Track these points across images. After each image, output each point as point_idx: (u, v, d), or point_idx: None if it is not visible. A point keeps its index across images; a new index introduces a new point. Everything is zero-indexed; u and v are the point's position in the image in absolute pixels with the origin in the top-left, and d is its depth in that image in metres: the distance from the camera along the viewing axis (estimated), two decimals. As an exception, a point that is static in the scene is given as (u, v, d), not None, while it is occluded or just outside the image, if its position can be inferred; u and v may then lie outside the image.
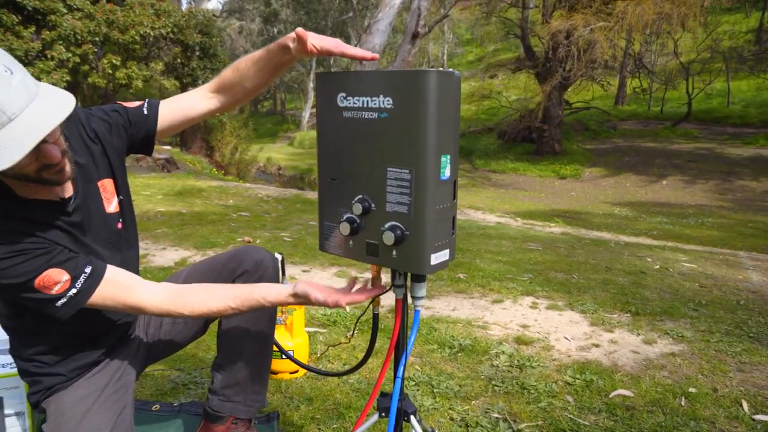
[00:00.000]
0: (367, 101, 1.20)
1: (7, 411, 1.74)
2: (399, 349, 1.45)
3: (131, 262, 1.48)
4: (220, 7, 32.08)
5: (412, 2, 11.96)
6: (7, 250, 1.14)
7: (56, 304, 1.19)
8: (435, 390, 2.21)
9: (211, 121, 20.93)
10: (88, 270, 1.21)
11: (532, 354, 2.56)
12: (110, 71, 13.28)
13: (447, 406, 2.10)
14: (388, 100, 1.17)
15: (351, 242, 1.30)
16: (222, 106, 1.48)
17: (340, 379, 2.32)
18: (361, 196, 1.25)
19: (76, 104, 1.20)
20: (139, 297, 1.27)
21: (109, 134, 1.39)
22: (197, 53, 15.49)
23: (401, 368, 1.35)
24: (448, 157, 1.19)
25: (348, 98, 1.24)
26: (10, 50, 11.60)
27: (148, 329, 1.59)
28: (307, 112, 32.89)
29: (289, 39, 1.31)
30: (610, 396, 2.18)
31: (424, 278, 1.36)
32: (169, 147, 16.45)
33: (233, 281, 1.56)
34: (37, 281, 1.15)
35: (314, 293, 1.27)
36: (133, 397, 1.48)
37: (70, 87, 13.96)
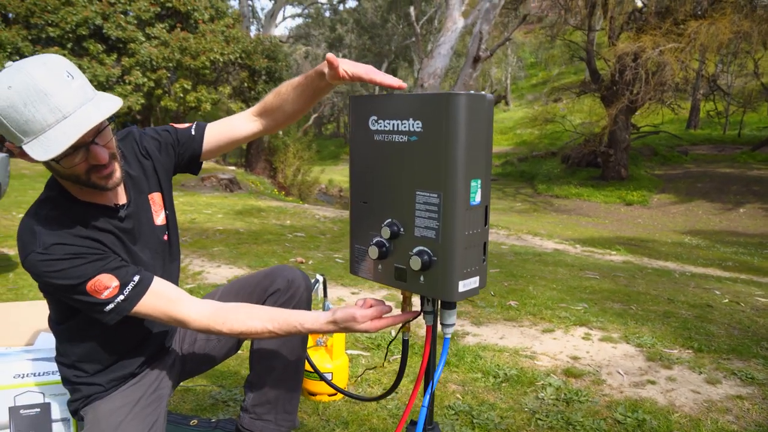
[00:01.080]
0: (398, 124, 1.20)
1: (53, 416, 1.82)
2: (428, 377, 1.41)
3: (173, 275, 1.54)
4: (287, 33, 33.28)
5: (473, 26, 11.99)
6: (67, 251, 1.21)
7: (105, 309, 1.24)
8: (475, 421, 2.13)
9: (275, 143, 21.65)
10: (136, 279, 1.26)
11: (581, 388, 2.44)
12: (181, 95, 14.02)
13: (486, 438, 2.03)
14: (417, 124, 1.16)
15: (380, 266, 1.29)
16: (264, 129, 1.54)
17: (378, 404, 2.29)
18: (390, 220, 1.24)
19: (135, 126, 1.41)
20: (182, 311, 1.30)
21: (159, 152, 1.48)
22: (263, 77, 16.12)
23: (427, 397, 1.31)
24: (479, 181, 1.16)
25: (379, 121, 1.24)
26: (94, 76, 12.50)
27: (183, 345, 1.63)
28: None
29: (323, 65, 1.33)
30: (665, 438, 2.04)
31: (454, 305, 1.33)
32: (233, 168, 17.08)
33: (265, 300, 1.58)
34: (89, 285, 1.21)
35: (354, 323, 1.25)
36: (166, 410, 1.51)
37: (145, 110, 14.83)
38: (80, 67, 13.90)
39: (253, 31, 23.33)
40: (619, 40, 16.45)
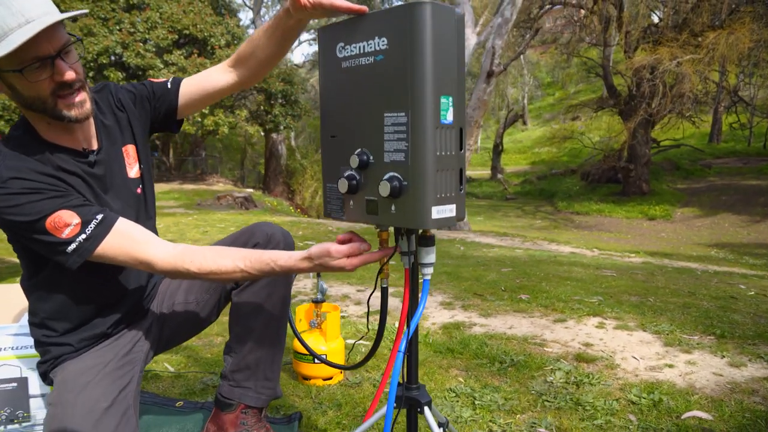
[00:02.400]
0: (364, 46, 1.12)
1: (31, 392, 1.75)
2: (411, 346, 1.31)
3: None
4: (303, 59, 33.88)
5: (487, 42, 12.01)
6: (24, 186, 1.15)
7: (66, 250, 1.16)
8: (477, 402, 2.01)
9: (293, 165, 21.83)
10: (99, 217, 1.19)
11: (593, 372, 2.29)
12: (199, 119, 14.25)
13: (488, 418, 1.89)
14: (383, 41, 1.08)
15: (351, 202, 1.20)
16: (240, 79, 1.46)
17: (375, 387, 2.17)
18: (359, 150, 1.16)
19: (111, 82, 1.42)
20: (148, 252, 1.21)
21: (134, 104, 1.45)
22: (280, 101, 16.33)
23: (404, 342, 1.21)
24: (450, 98, 1.08)
25: (346, 47, 1.17)
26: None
27: (161, 308, 1.56)
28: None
29: (288, 1, 1.26)
30: (683, 417, 1.88)
31: (432, 241, 1.24)
32: (251, 190, 17.21)
33: None
34: (49, 221, 1.15)
35: (330, 260, 1.15)
36: (140, 374, 1.43)
37: (164, 135, 15.08)
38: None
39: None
40: (635, 53, 16.32)
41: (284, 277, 1.55)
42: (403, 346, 1.21)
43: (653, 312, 3.13)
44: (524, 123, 31.51)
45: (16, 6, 1.07)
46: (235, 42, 15.31)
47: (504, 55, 13.50)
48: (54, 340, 1.38)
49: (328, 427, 1.85)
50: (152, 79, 1.52)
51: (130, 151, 1.43)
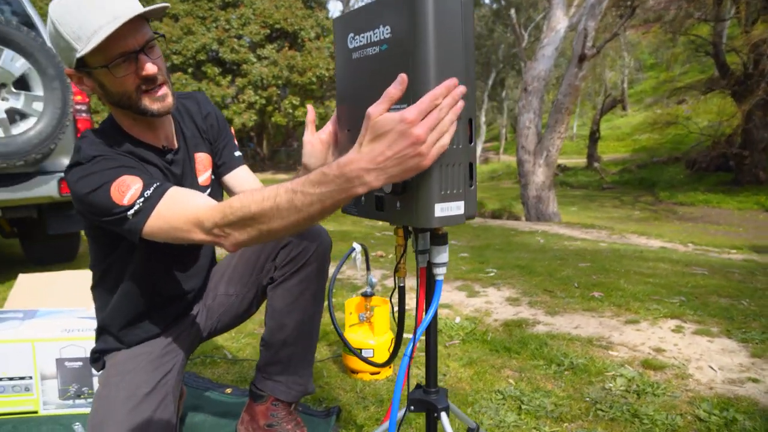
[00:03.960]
0: (370, 35, 1.08)
1: (94, 371, 1.88)
2: (429, 347, 1.26)
3: (210, 250, 1.58)
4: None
5: (579, 25, 11.39)
6: (103, 160, 1.19)
7: (128, 214, 1.13)
8: (524, 407, 1.91)
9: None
10: (157, 184, 1.16)
11: (660, 380, 2.10)
12: (290, 110, 14.73)
13: (532, 425, 1.79)
14: (386, 30, 1.03)
15: (363, 198, 1.16)
16: None
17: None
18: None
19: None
20: (197, 210, 1.09)
21: (215, 124, 1.54)
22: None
23: (410, 347, 1.16)
24: (457, 89, 1.01)
25: (356, 37, 1.13)
26: (211, 97, 13.52)
27: (206, 299, 1.60)
28: (479, 147, 32.99)
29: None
30: (758, 439, 1.68)
31: (444, 240, 1.17)
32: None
33: (278, 253, 1.52)
34: (113, 186, 1.14)
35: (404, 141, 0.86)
36: (183, 362, 1.49)
37: (257, 126, 15.77)
38: (199, 89, 15.13)
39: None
40: (753, 27, 14.79)
41: (316, 274, 1.53)
42: (409, 350, 1.15)
43: (744, 317, 2.82)
44: (623, 108, 29.62)
45: (107, 5, 1.14)
46: (324, 34, 15.62)
47: (599, 37, 12.73)
48: (112, 333, 1.46)
49: (366, 423, 1.84)
50: (234, 134, 1.61)
51: (202, 159, 1.49)
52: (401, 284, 1.27)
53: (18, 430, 1.84)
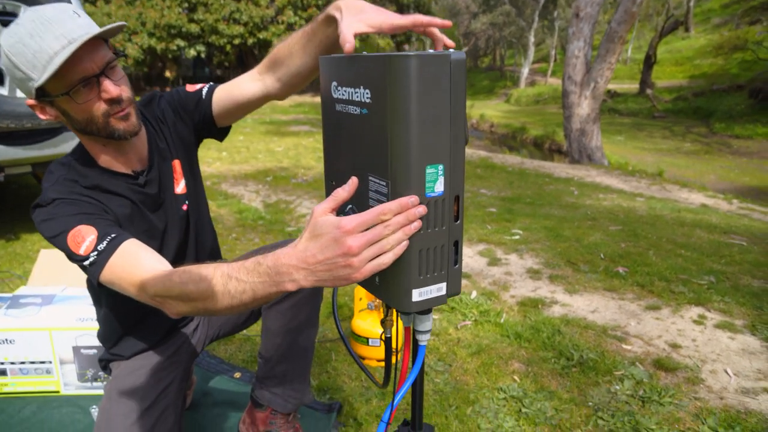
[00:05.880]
0: (352, 92, 0.99)
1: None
2: (415, 387, 1.24)
3: (201, 251, 1.52)
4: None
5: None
6: (64, 204, 1.18)
7: (85, 264, 1.14)
8: (523, 410, 1.92)
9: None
10: (113, 235, 1.14)
11: (669, 385, 2.07)
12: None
13: (529, 433, 1.81)
14: (367, 93, 0.94)
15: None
16: (269, 90, 1.32)
17: (427, 376, 2.16)
18: (350, 206, 1.06)
19: (157, 90, 1.38)
20: (143, 273, 1.08)
21: (174, 116, 1.43)
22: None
23: (387, 413, 1.14)
24: (440, 167, 0.92)
25: (339, 88, 1.03)
26: (250, 18, 13.15)
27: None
28: (526, 69, 31.59)
29: (334, 7, 1.07)
30: (759, 467, 1.65)
31: (428, 310, 1.13)
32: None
33: None
34: (70, 235, 1.14)
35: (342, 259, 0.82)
36: (184, 373, 1.53)
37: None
38: (237, 10, 14.69)
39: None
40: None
41: (309, 298, 1.53)
42: (386, 416, 1.15)
43: (775, 307, 2.71)
44: (686, 29, 27.41)
45: (59, 30, 1.09)
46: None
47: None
48: (110, 345, 1.50)
49: (366, 420, 1.89)
50: (189, 85, 1.47)
51: (176, 167, 1.43)
52: (387, 335, 1.25)
53: (41, 410, 1.98)
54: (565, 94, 10.67)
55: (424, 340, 1.13)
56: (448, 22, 0.99)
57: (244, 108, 1.40)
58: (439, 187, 0.93)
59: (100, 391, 2.04)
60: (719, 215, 4.74)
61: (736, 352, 2.30)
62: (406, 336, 1.19)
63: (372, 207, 0.98)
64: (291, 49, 1.22)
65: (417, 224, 0.86)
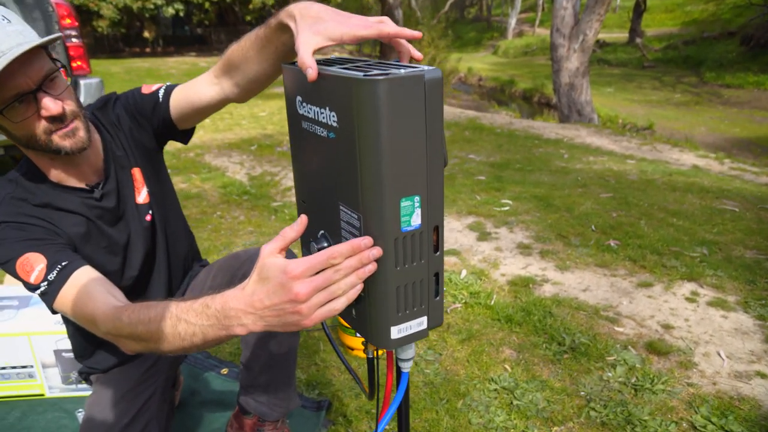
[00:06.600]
0: (318, 112, 0.88)
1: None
2: (400, 412, 1.18)
3: (173, 259, 1.45)
4: None
5: None
6: (10, 229, 1.11)
7: (38, 293, 1.09)
8: (515, 402, 1.88)
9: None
10: (63, 263, 1.08)
11: (662, 370, 2.04)
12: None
13: (521, 427, 1.78)
14: (333, 116, 0.84)
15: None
16: (227, 95, 1.20)
17: (417, 367, 2.12)
18: (322, 232, 0.97)
19: (114, 92, 1.32)
20: (95, 307, 1.03)
21: (131, 122, 1.32)
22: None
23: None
24: (416, 199, 0.83)
25: (304, 104, 0.92)
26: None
27: None
28: (513, 19, 30.91)
29: (288, 16, 0.92)
30: (752, 458, 1.63)
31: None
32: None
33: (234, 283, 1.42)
34: (18, 263, 1.09)
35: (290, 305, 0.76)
36: (165, 382, 1.46)
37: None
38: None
39: None
40: None
41: None
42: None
43: (767, 280, 2.67)
44: (679, -28, 26.76)
45: None
46: None
47: None
48: (84, 359, 1.43)
49: (355, 417, 1.85)
50: (145, 86, 1.34)
51: (136, 175, 1.33)
52: (370, 355, 1.18)
53: (27, 416, 1.92)
54: (554, 47, 10.44)
55: (407, 367, 1.07)
56: (417, 34, 0.87)
57: (204, 112, 1.28)
58: (416, 219, 0.84)
59: (87, 393, 1.98)
60: (711, 177, 4.68)
61: (729, 332, 2.27)
62: (389, 360, 1.12)
63: (345, 238, 0.89)
64: (245, 54, 1.09)
65: (372, 267, 0.80)
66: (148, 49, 23.57)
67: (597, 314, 2.43)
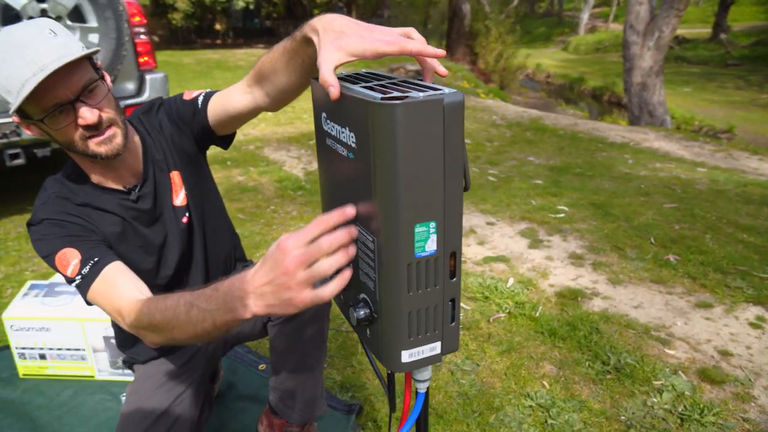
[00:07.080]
0: (339, 131, 0.88)
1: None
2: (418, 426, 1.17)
3: (212, 261, 1.49)
4: None
5: None
6: (53, 226, 1.19)
7: (73, 285, 1.17)
8: (549, 421, 1.83)
9: (476, 26, 20.52)
10: (96, 259, 1.16)
11: (714, 401, 1.92)
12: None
13: (555, 450, 1.72)
14: (352, 137, 0.83)
15: (341, 296, 1.04)
16: (259, 105, 1.21)
17: (453, 376, 2.09)
18: (363, 295, 0.96)
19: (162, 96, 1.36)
20: (122, 300, 1.10)
21: (172, 127, 1.38)
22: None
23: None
24: (432, 225, 0.81)
25: (328, 121, 0.93)
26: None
27: None
28: (586, 14, 29.80)
29: (311, 30, 0.91)
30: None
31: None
32: (427, 56, 16.65)
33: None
34: (57, 257, 1.17)
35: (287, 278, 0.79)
36: (200, 380, 1.51)
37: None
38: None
39: None
40: None
41: (314, 318, 1.47)
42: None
43: (843, 307, 2.46)
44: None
45: (30, 55, 1.04)
46: None
47: None
48: (125, 349, 1.51)
49: (385, 423, 1.85)
50: (187, 92, 1.38)
51: (175, 178, 1.39)
52: (389, 371, 1.17)
53: (78, 395, 2.06)
54: (626, 44, 10.00)
55: (423, 388, 1.05)
56: (441, 52, 0.84)
57: (239, 120, 1.31)
58: (431, 245, 0.83)
59: (131, 378, 2.08)
60: (791, 190, 4.34)
61: (794, 363, 2.11)
62: (407, 379, 1.11)
63: (361, 260, 0.89)
64: (275, 65, 1.09)
65: (352, 250, 0.83)
66: (219, 41, 24.37)
67: (647, 334, 2.31)
